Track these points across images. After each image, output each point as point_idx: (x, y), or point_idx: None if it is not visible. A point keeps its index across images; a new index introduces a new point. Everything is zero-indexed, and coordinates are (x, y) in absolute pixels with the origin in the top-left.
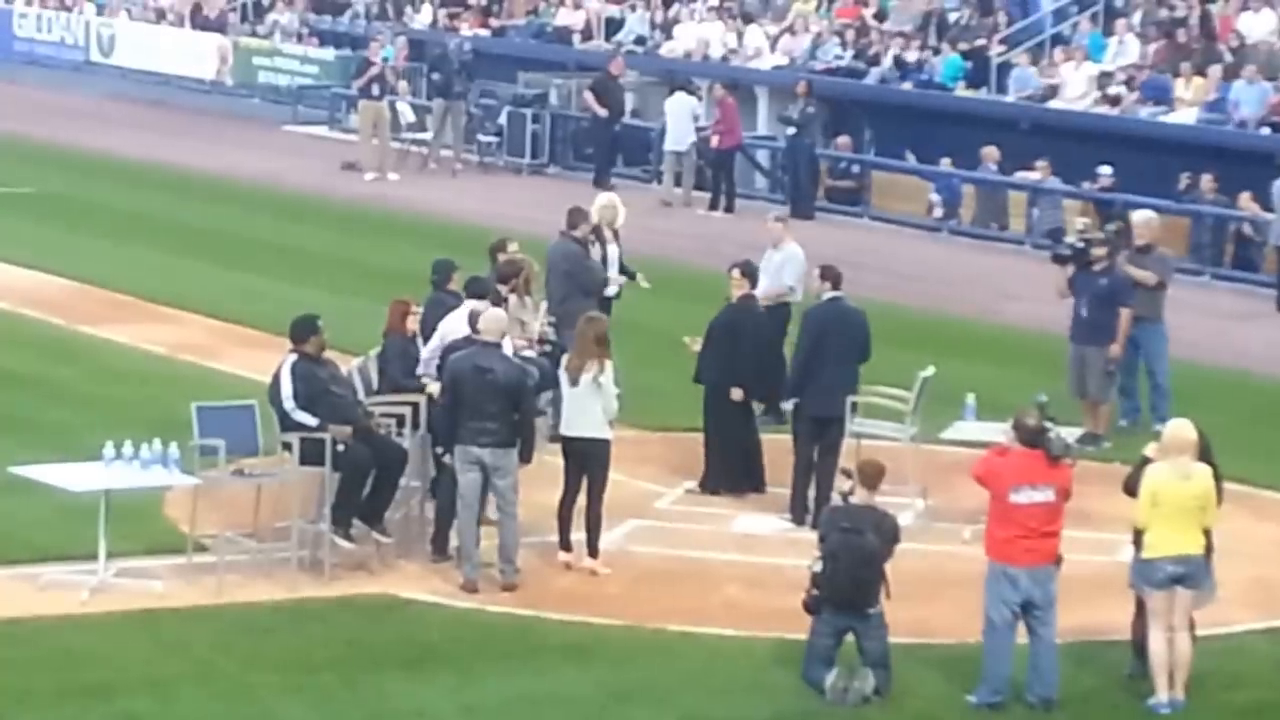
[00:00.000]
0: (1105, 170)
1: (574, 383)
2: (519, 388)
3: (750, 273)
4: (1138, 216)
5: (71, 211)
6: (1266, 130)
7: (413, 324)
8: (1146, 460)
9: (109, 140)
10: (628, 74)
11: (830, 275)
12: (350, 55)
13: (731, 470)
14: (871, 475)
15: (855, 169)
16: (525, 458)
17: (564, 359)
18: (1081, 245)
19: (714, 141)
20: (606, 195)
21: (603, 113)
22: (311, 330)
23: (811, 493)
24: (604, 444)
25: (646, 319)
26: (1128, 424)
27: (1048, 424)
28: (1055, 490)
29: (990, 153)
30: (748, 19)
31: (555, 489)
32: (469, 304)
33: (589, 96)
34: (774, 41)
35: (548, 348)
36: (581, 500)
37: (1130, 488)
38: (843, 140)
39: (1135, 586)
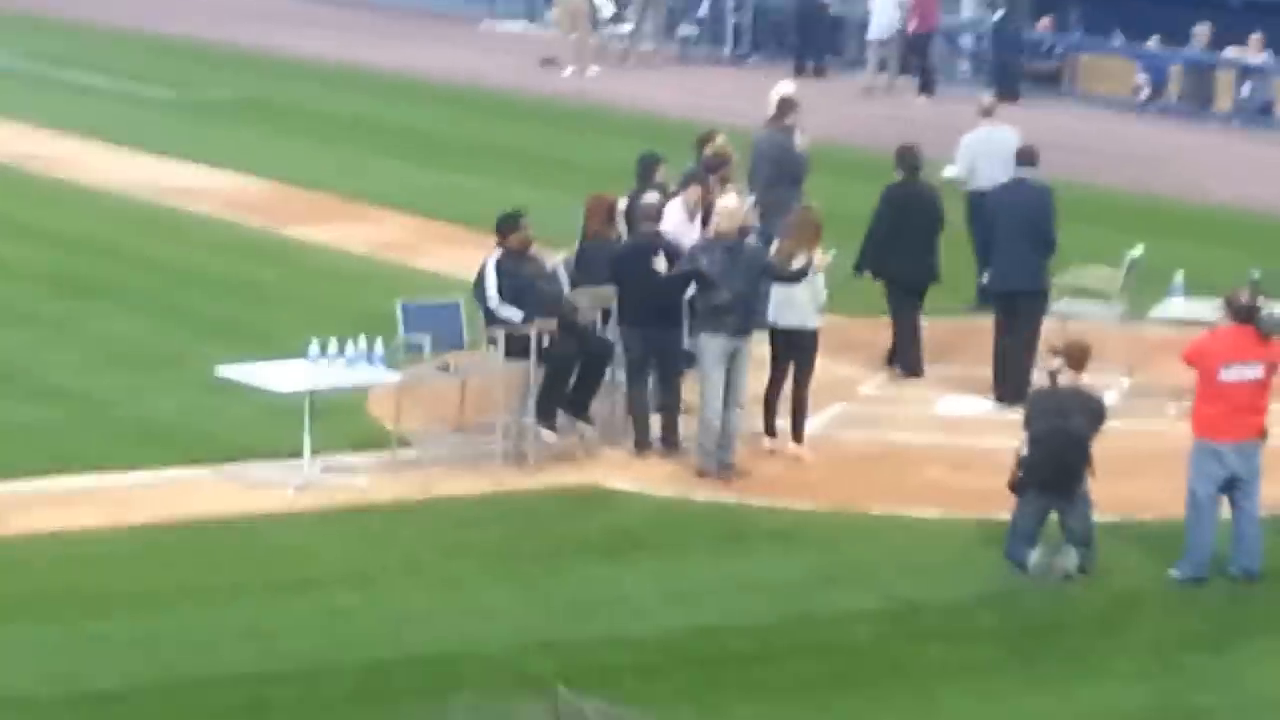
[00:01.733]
0: None
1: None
2: (760, 272)
3: (905, 160)
4: None
5: (270, 114)
6: None
7: (618, 223)
8: None
9: (304, 42)
10: None
11: (1022, 155)
12: None
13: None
14: (1078, 356)
15: (1058, 49)
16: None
17: (773, 247)
18: None
19: (910, 26)
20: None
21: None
22: (515, 225)
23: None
24: (813, 334)
25: (846, 206)
26: None
27: (1260, 300)
28: (1265, 367)
29: (1201, 30)
30: None
31: (755, 375)
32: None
33: None
34: None
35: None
36: (786, 387)
37: None
38: (1044, 22)
39: None
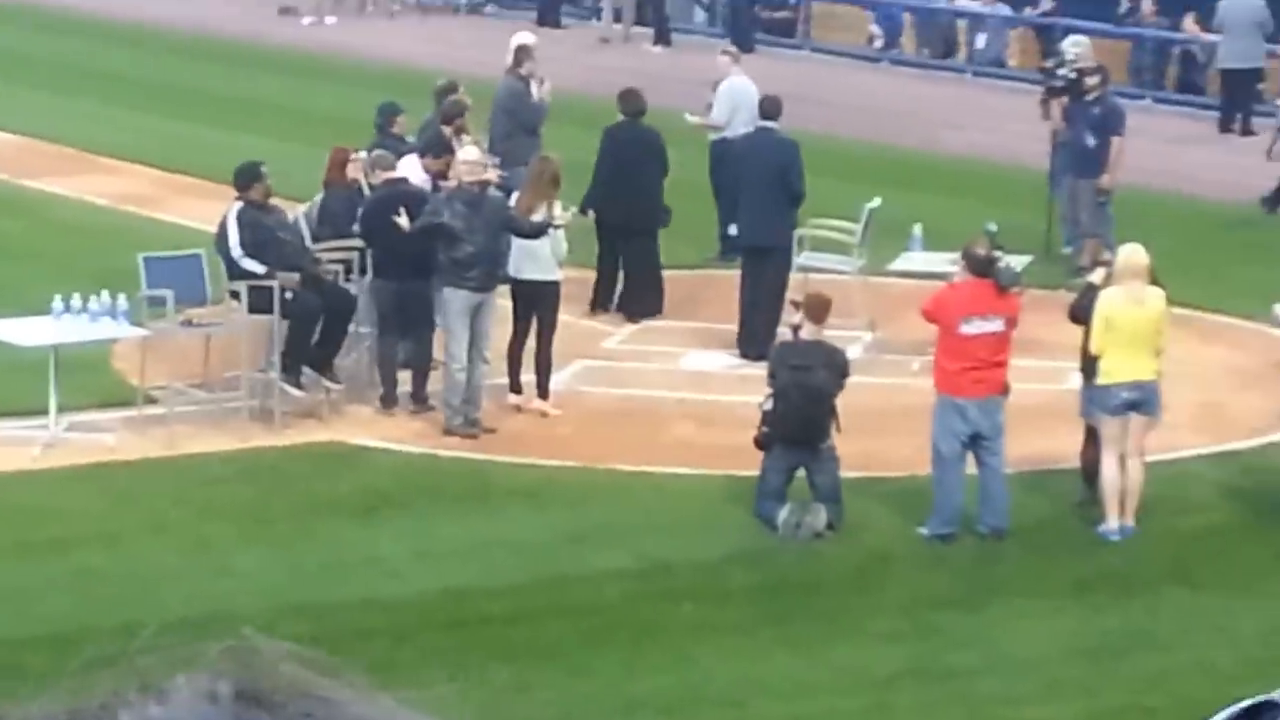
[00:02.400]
0: None
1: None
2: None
3: (627, 101)
4: (1069, 43)
5: (6, 65)
6: None
7: (353, 171)
8: (1092, 286)
9: None
10: None
11: (766, 106)
12: None
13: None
14: (818, 309)
15: (797, 1)
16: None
17: (512, 199)
18: (1074, 76)
19: None
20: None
21: None
22: (256, 176)
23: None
24: (554, 285)
25: (584, 157)
26: (1072, 250)
27: (997, 253)
28: (1004, 320)
29: None
30: None
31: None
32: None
33: None
34: None
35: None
36: (530, 342)
37: (1076, 315)
38: None
39: (1087, 414)
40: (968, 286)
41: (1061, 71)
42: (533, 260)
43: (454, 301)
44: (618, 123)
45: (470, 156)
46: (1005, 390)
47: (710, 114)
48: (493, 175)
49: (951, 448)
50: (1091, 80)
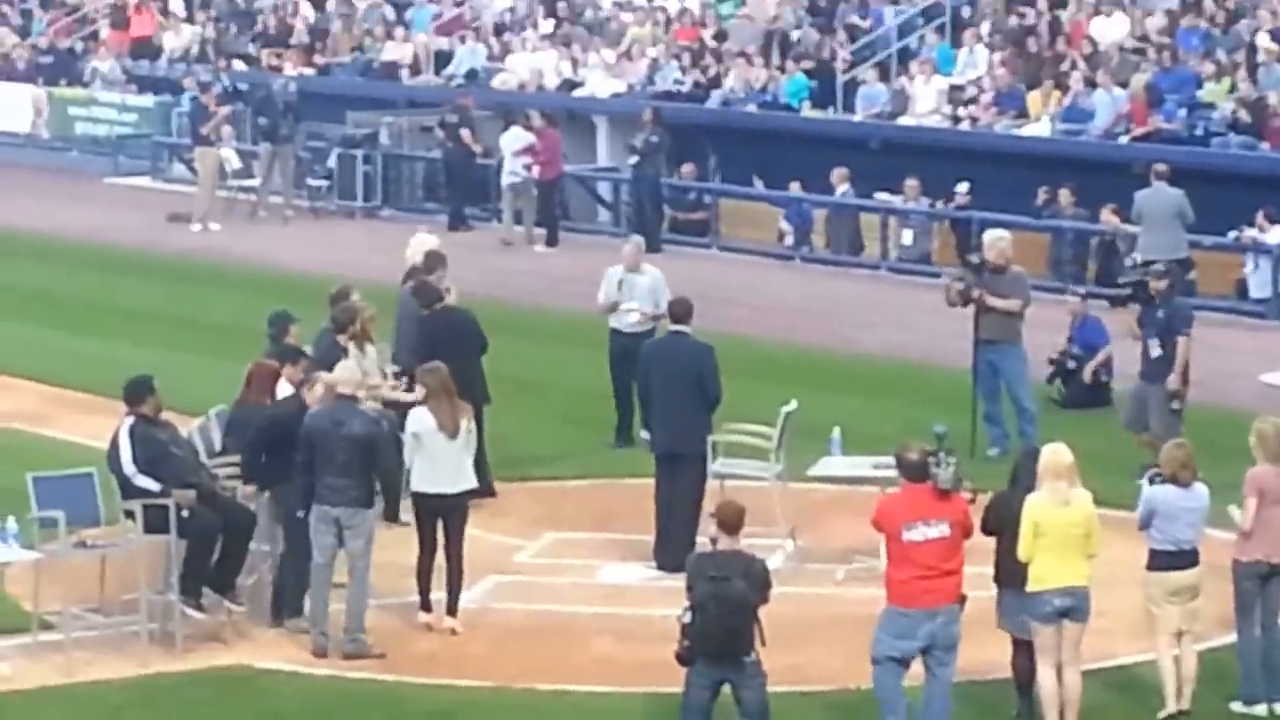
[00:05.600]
0: (962, 187)
1: (453, 436)
2: (376, 442)
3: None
4: (989, 237)
5: None
6: (1123, 139)
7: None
8: (1001, 494)
9: None
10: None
11: (676, 308)
12: (170, 101)
13: None
14: (732, 519)
15: (705, 199)
16: (391, 515)
17: (421, 413)
18: (1139, 280)
19: (535, 172)
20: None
21: (477, 148)
22: (147, 391)
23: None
24: (461, 497)
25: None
26: (997, 453)
27: (944, 456)
28: (950, 524)
29: (841, 174)
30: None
31: (402, 547)
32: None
33: (465, 133)
34: (611, 68)
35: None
36: (439, 558)
37: (987, 525)
38: (687, 169)
39: (1007, 625)
40: (906, 492)
41: (1122, 278)
42: (458, 471)
43: (315, 515)
44: (432, 310)
45: (339, 374)
46: (961, 600)
47: (648, 305)
48: (402, 394)
49: (893, 659)
50: (1158, 284)
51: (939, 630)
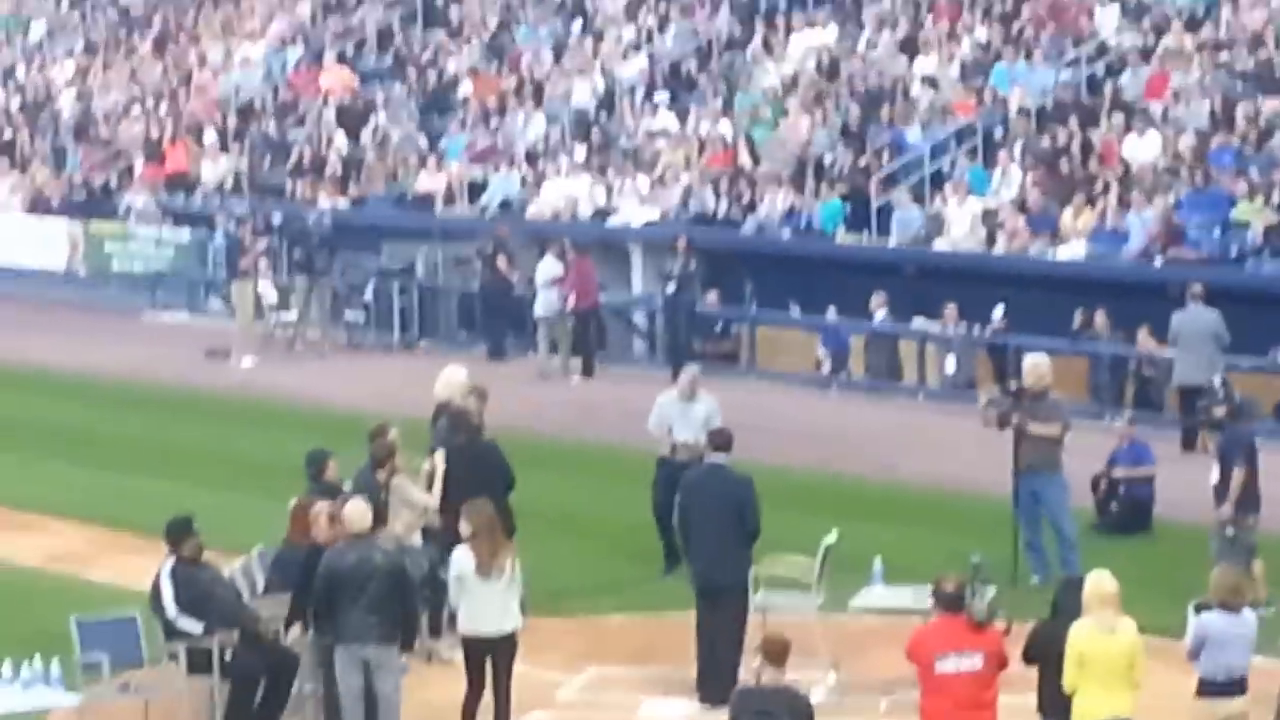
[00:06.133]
0: (997, 312)
1: (491, 576)
2: (401, 576)
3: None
4: (1027, 362)
5: None
6: (1158, 261)
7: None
8: (1044, 622)
9: None
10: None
11: (716, 439)
12: (205, 235)
13: None
14: (777, 653)
15: (731, 328)
16: (407, 644)
17: (463, 553)
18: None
19: (569, 303)
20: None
21: (514, 277)
22: (188, 532)
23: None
24: (507, 638)
25: (530, 498)
26: (1039, 580)
27: (980, 587)
28: (984, 656)
29: (879, 300)
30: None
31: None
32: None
33: (502, 262)
34: (644, 196)
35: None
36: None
37: (1029, 654)
38: (712, 298)
39: None
40: (940, 623)
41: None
42: (504, 613)
43: (339, 657)
44: (460, 442)
45: (350, 513)
46: None
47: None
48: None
49: None
50: (1218, 410)
51: None
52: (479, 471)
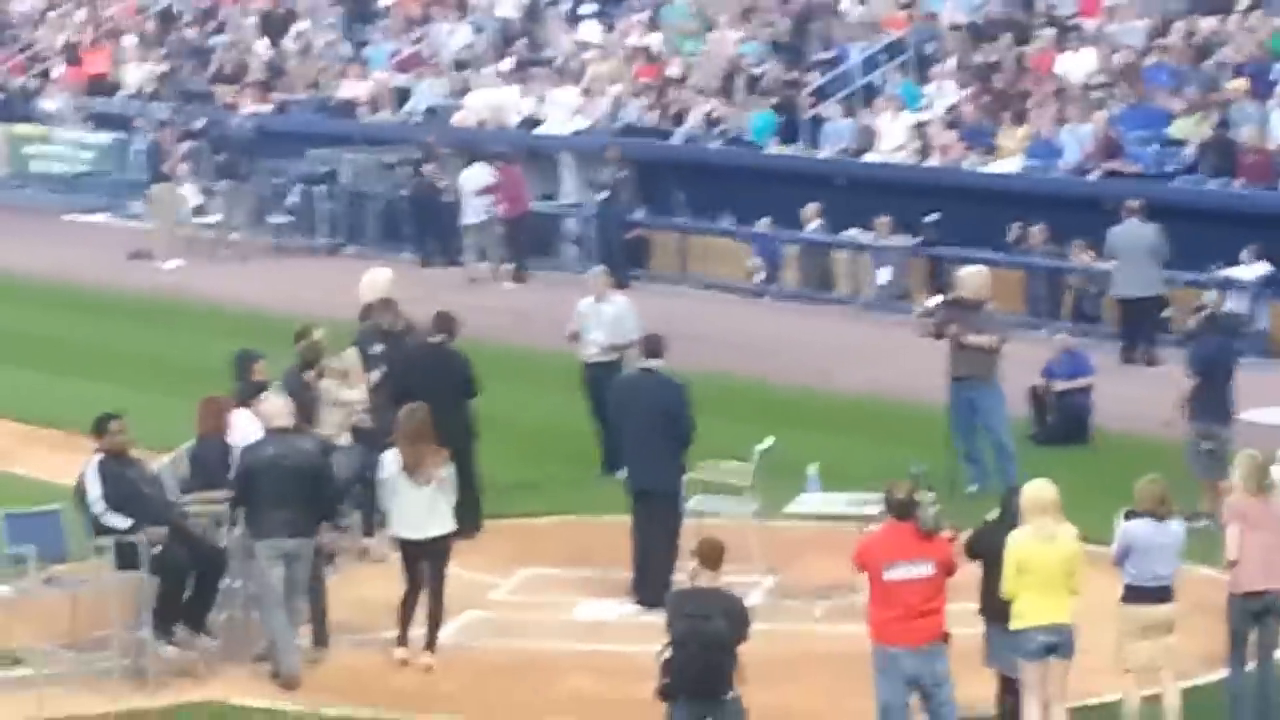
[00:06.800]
0: (931, 218)
1: (416, 480)
2: (320, 471)
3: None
4: (964, 273)
5: None
6: (1094, 175)
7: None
8: (988, 523)
9: None
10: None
11: (648, 345)
12: (126, 138)
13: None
14: (712, 556)
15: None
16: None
17: (391, 456)
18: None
19: (499, 210)
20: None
21: (443, 185)
22: (116, 425)
23: None
24: (449, 537)
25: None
26: (976, 489)
27: (929, 494)
28: (934, 564)
29: (811, 210)
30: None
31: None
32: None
33: (430, 168)
34: (573, 105)
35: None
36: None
37: (972, 549)
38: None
39: (993, 661)
40: (889, 531)
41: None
42: (435, 517)
43: (260, 549)
44: (420, 346)
45: (266, 407)
46: (945, 638)
47: (616, 335)
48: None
49: (897, 697)
50: (1190, 322)
51: (924, 667)
52: (431, 378)
